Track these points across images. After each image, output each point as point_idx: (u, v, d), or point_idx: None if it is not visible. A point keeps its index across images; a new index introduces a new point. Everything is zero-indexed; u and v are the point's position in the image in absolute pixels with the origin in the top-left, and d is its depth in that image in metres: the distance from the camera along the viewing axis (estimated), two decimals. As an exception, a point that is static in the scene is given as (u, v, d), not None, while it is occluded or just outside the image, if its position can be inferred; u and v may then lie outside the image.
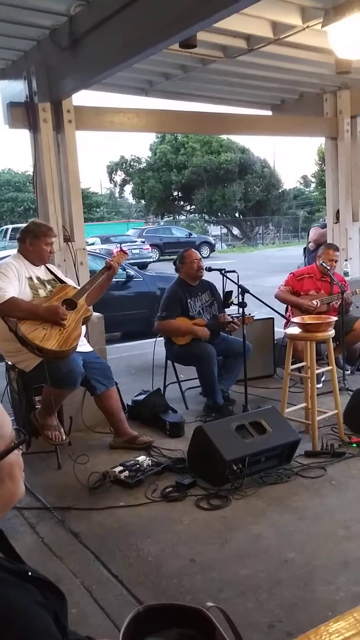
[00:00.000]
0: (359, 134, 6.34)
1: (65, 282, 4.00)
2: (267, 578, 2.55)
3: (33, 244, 3.83)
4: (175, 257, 5.11)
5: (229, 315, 4.95)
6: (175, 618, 1.33)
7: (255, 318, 4.93)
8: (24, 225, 4.00)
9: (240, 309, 4.50)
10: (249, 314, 4.72)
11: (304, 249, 7.52)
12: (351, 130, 6.22)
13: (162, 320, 4.71)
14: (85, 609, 2.41)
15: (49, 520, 3.18)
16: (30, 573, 1.01)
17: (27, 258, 3.85)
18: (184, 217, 38.36)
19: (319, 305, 5.16)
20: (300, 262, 5.57)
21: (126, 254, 4.26)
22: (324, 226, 6.77)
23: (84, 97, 4.79)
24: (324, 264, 5.25)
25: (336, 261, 5.37)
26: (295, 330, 4.13)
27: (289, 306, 5.36)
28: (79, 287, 3.96)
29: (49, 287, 3.87)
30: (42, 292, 3.79)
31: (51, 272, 4.00)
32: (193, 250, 5.01)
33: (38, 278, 3.86)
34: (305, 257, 7.13)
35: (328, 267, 5.28)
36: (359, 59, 4.43)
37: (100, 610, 2.40)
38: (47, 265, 4.01)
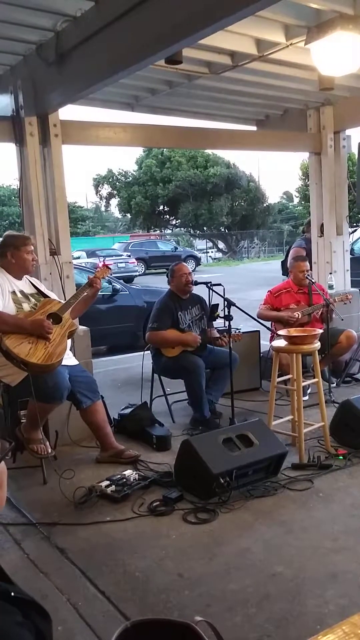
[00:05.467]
0: (342, 149, 6.43)
1: (48, 297, 3.98)
2: (255, 592, 2.54)
3: (15, 255, 3.81)
4: (162, 270, 5.13)
5: (216, 328, 4.97)
6: (163, 633, 1.32)
7: (241, 331, 4.96)
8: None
9: (227, 322, 4.52)
10: (237, 331, 4.74)
11: (282, 262, 7.60)
12: (334, 146, 6.31)
13: (153, 331, 4.72)
14: (72, 626, 2.37)
15: (35, 536, 3.14)
16: (13, 594, 1.01)
17: (9, 272, 3.82)
18: (170, 231, 38.53)
19: (300, 316, 5.20)
20: (284, 277, 5.61)
21: (109, 269, 4.25)
22: (309, 240, 6.79)
23: (70, 112, 4.79)
24: (308, 277, 5.32)
25: (307, 270, 5.43)
26: (281, 342, 4.15)
27: (273, 322, 5.39)
28: (63, 301, 3.95)
29: (32, 300, 3.85)
30: (25, 306, 3.77)
31: (34, 286, 3.98)
32: (183, 264, 5.05)
33: (22, 292, 3.84)
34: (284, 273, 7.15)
35: (313, 281, 5.36)
36: (342, 76, 4.51)
37: (87, 628, 2.36)
38: (30, 279, 3.99)
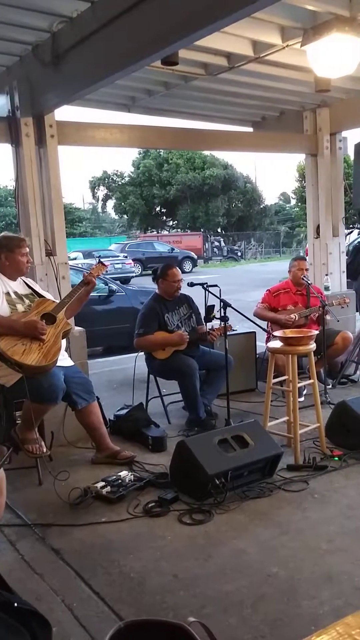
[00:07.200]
0: (338, 151, 6.45)
1: (43, 297, 3.97)
2: (250, 593, 2.54)
3: (9, 257, 3.79)
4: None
5: (209, 329, 4.96)
6: (157, 634, 1.32)
7: (237, 332, 4.94)
8: None
9: (222, 323, 4.51)
10: (228, 323, 4.72)
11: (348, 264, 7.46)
12: (330, 147, 6.33)
13: (140, 337, 4.69)
14: (66, 627, 2.36)
15: (30, 537, 3.13)
16: (16, 604, 1.01)
17: (3, 273, 3.80)
18: (167, 232, 38.54)
19: (297, 319, 5.21)
20: (282, 277, 5.62)
21: (105, 266, 4.24)
22: None
23: (66, 113, 4.80)
24: (304, 278, 5.33)
25: (307, 269, 5.47)
26: (276, 343, 4.15)
27: (269, 322, 5.40)
28: (58, 301, 3.93)
29: (27, 301, 3.83)
30: (20, 307, 3.75)
31: (29, 287, 3.97)
32: (177, 269, 4.94)
33: (15, 293, 3.82)
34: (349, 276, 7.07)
35: (309, 282, 5.37)
36: (338, 78, 4.52)
37: (82, 629, 2.36)
38: (24, 279, 3.98)
